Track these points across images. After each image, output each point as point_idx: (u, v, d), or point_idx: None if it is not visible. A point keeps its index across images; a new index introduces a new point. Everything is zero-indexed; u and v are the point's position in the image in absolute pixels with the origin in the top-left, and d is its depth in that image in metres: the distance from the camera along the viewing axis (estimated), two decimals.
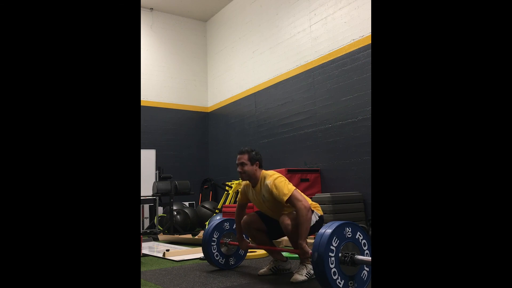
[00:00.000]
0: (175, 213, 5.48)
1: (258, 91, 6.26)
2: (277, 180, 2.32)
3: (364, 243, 1.95)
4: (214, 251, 2.72)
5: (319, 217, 2.39)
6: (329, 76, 4.94)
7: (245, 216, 2.60)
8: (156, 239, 4.66)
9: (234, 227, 2.83)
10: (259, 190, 2.43)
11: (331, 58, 4.92)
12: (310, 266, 2.28)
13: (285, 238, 3.73)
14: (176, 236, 4.67)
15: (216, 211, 6.02)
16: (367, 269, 1.93)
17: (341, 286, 1.83)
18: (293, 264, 2.72)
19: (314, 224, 2.32)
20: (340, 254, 1.86)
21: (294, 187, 2.33)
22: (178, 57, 7.51)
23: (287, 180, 2.38)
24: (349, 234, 1.91)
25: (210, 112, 7.61)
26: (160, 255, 3.42)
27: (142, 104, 6.73)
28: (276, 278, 2.39)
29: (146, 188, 5.58)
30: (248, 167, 2.40)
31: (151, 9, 7.30)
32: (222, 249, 2.76)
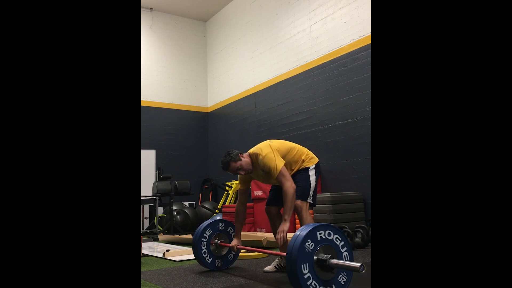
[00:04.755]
0: (175, 213, 5.48)
1: (258, 91, 6.26)
2: (265, 158, 2.44)
3: (342, 245, 1.85)
4: (203, 248, 2.68)
5: (315, 166, 2.58)
6: (329, 76, 4.94)
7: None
8: (156, 239, 4.66)
9: (228, 229, 2.80)
10: (257, 168, 2.54)
11: (331, 58, 4.92)
12: (283, 260, 2.43)
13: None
14: (176, 236, 4.67)
15: (216, 211, 6.02)
16: (344, 273, 1.84)
17: None
18: None
19: (314, 178, 2.55)
20: (315, 258, 1.78)
21: (282, 162, 2.43)
22: (178, 57, 7.51)
23: (273, 151, 2.46)
24: (324, 236, 1.82)
25: (210, 112, 7.61)
26: (160, 255, 3.42)
27: (142, 104, 6.73)
28: (276, 278, 2.39)
29: (146, 188, 5.57)
30: (243, 167, 2.50)
31: (151, 9, 7.29)
32: (211, 248, 2.71)
